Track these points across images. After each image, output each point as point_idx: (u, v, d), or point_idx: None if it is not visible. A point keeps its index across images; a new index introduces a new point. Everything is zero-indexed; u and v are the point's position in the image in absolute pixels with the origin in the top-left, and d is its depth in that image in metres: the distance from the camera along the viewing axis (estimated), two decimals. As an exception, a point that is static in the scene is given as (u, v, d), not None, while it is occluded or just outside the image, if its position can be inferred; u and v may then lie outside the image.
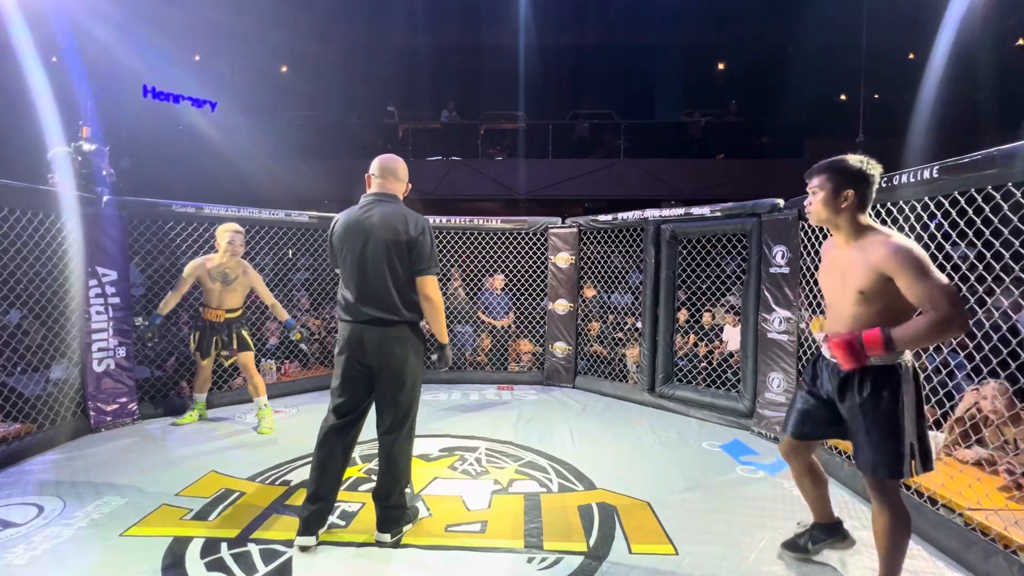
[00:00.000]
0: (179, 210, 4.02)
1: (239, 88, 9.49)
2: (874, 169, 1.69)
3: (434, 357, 2.34)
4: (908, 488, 2.46)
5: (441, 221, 5.11)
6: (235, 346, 3.60)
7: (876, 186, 1.70)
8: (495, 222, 5.15)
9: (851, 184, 1.68)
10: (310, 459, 3.08)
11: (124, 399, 3.73)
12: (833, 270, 1.77)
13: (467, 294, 5.55)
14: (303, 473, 2.93)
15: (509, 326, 5.45)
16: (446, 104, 11.07)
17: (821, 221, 1.76)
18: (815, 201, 1.75)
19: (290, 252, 4.98)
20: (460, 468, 3.02)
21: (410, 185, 2.40)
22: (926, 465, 1.66)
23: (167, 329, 4.44)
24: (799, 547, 2.10)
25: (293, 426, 3.77)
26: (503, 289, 5.46)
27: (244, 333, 3.66)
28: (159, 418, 3.87)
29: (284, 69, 11.71)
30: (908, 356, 1.68)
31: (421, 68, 11.43)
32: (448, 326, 5.42)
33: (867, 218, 1.71)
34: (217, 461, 3.06)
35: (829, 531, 2.08)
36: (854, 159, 1.70)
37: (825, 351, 1.81)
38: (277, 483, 2.81)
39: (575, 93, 12.02)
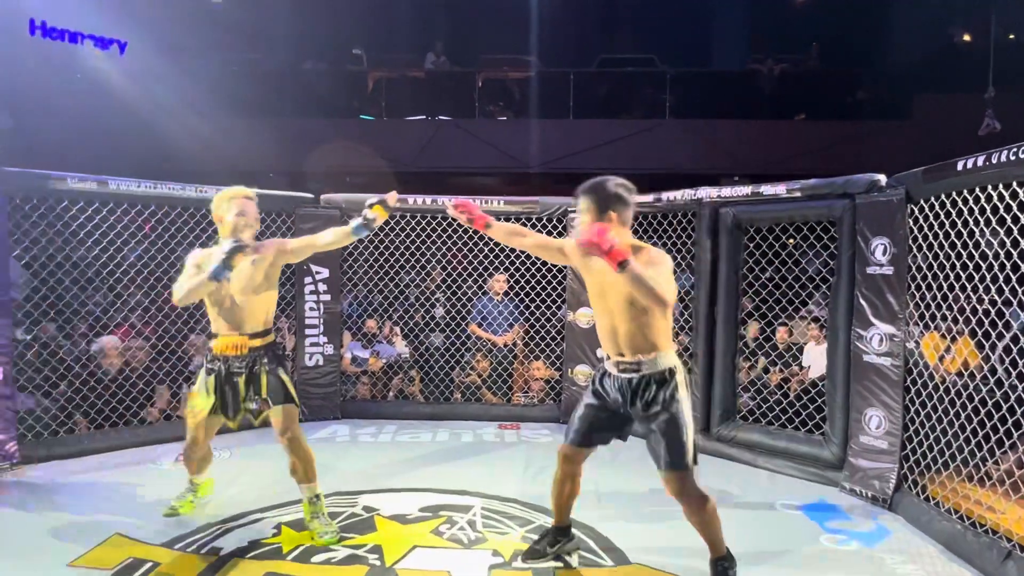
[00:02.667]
0: (76, 186, 4.05)
1: (157, 23, 9.55)
2: (630, 191, 2.50)
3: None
4: (995, 533, 2.52)
5: (424, 202, 5.12)
6: (265, 393, 2.94)
7: (633, 207, 2.51)
8: (497, 203, 5.17)
9: (612, 206, 2.44)
10: (248, 519, 3.13)
11: (0, 437, 3.75)
12: (600, 288, 2.55)
13: (447, 296, 5.56)
14: (237, 538, 2.93)
15: (513, 343, 5.45)
16: (432, 46, 11.11)
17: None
18: (581, 223, 2.49)
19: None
20: (448, 534, 3.03)
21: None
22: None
23: (57, 344, 4.47)
24: (539, 553, 2.80)
25: (227, 474, 3.78)
26: (506, 294, 5.47)
27: (281, 373, 2.99)
28: (47, 462, 3.89)
29: (217, -1, 11.79)
30: (676, 361, 2.50)
31: (399, -2, 11.49)
32: (427, 339, 5.44)
33: (629, 236, 2.52)
34: (124, 520, 3.06)
35: (565, 533, 2.87)
36: (613, 181, 2.48)
37: (607, 363, 2.59)
38: (204, 551, 2.81)
39: (604, 33, 12.06)
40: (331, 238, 2.98)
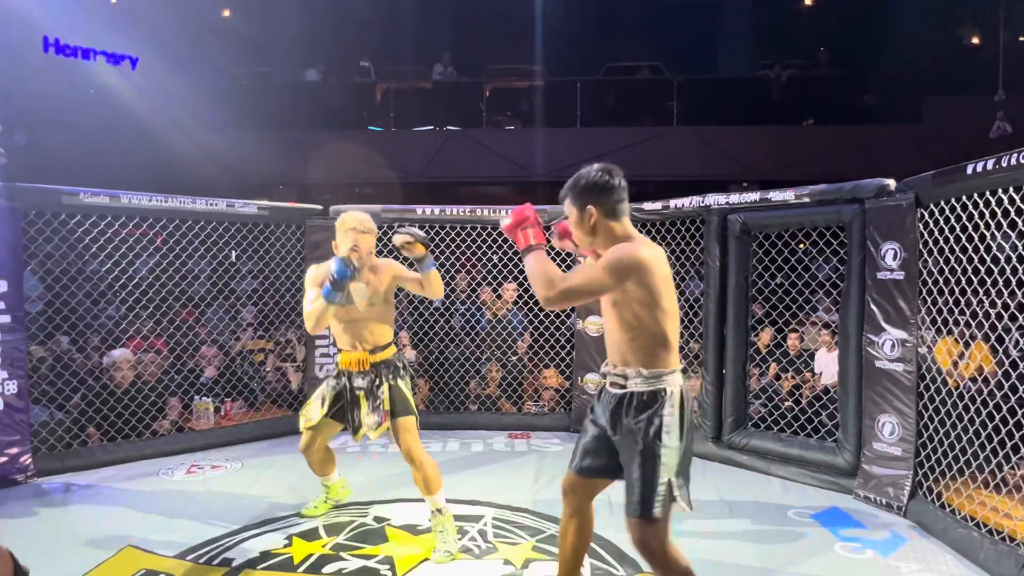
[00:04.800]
0: (89, 200, 4.10)
1: (167, 39, 9.70)
2: (612, 176, 2.11)
3: None
4: (1013, 540, 2.42)
5: (432, 212, 5.14)
6: (386, 406, 2.97)
7: (621, 192, 2.11)
8: (505, 212, 5.17)
9: (589, 200, 2.09)
10: (259, 530, 3.15)
11: (15, 449, 3.79)
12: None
13: (446, 304, 5.57)
14: (248, 548, 2.94)
15: (523, 352, 5.45)
16: (439, 57, 11.20)
17: (586, 247, 2.22)
18: (571, 227, 2.22)
19: (233, 255, 5.04)
20: (459, 545, 3.01)
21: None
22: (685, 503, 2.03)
23: (71, 357, 4.51)
24: None
25: (238, 486, 3.80)
26: (516, 302, 5.48)
27: (402, 385, 3.04)
28: (60, 474, 3.92)
29: (226, 13, 11.95)
30: (675, 381, 2.06)
31: (405, 9, 11.58)
32: (436, 348, 5.46)
33: (624, 228, 2.13)
34: (136, 532, 3.08)
35: None
36: (589, 171, 2.13)
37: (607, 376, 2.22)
38: (215, 562, 2.82)
39: (611, 40, 12.08)
40: (434, 291, 3.06)
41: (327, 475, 3.38)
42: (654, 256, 2.05)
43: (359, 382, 3.01)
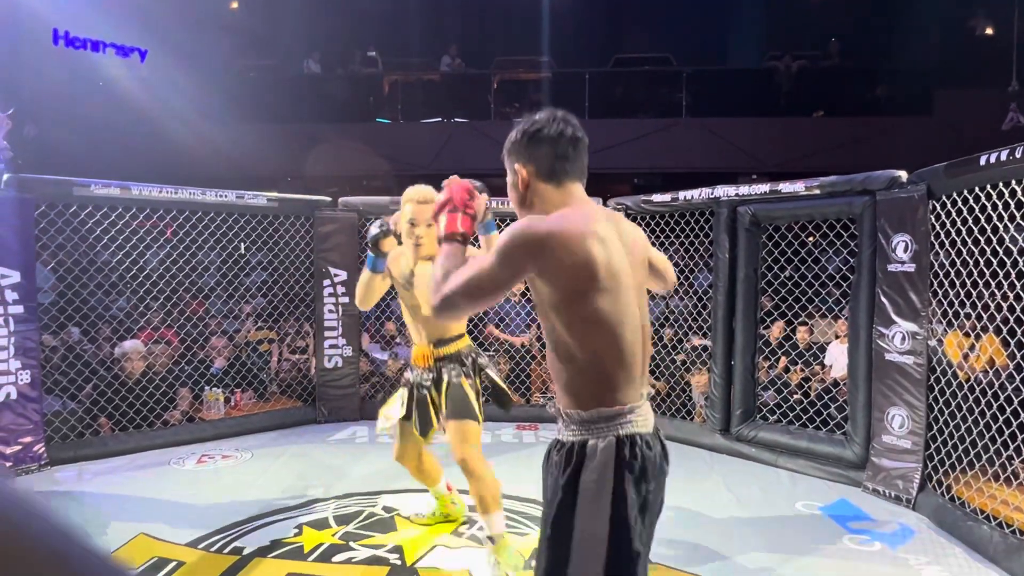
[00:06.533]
0: (100, 192, 4.13)
1: (176, 31, 9.71)
2: (550, 124, 1.48)
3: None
4: (1022, 533, 2.41)
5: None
6: (444, 409, 2.66)
7: (566, 146, 1.47)
8: (512, 205, 5.17)
9: (519, 157, 1.51)
10: (270, 519, 3.18)
11: (28, 439, 3.83)
12: None
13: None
14: (259, 537, 2.97)
15: (530, 344, 5.46)
16: (447, 49, 11.18)
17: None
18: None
19: (242, 246, 5.07)
20: (468, 533, 3.05)
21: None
22: None
23: (82, 347, 4.55)
24: None
25: (248, 475, 3.83)
26: (523, 294, 5.48)
27: (466, 385, 2.68)
28: (73, 463, 3.96)
29: (234, 6, 11.96)
30: (612, 430, 1.38)
31: (413, 1, 11.56)
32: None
33: (565, 195, 1.49)
34: (148, 520, 3.12)
35: None
36: (529, 118, 1.54)
37: None
38: (226, 551, 2.85)
39: (619, 32, 12.03)
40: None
41: (432, 486, 3.05)
42: (582, 234, 1.36)
43: (425, 378, 2.72)
